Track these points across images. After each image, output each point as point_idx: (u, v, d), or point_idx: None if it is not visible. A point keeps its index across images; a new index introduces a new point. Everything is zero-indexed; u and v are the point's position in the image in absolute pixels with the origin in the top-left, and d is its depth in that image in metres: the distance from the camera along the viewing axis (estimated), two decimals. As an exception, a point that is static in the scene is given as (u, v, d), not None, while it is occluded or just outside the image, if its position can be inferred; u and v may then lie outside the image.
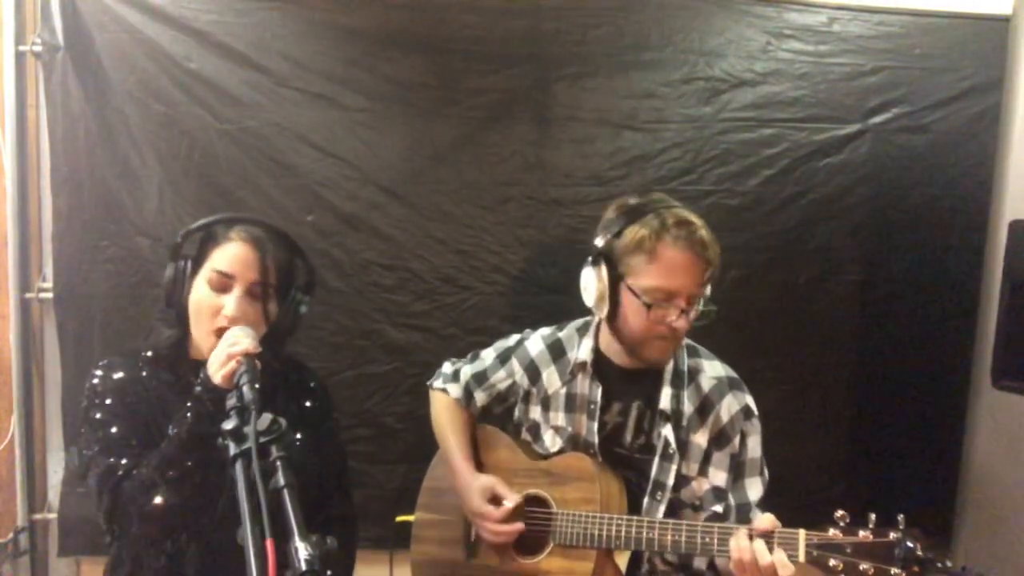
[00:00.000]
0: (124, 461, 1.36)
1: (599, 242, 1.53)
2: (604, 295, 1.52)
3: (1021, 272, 2.03)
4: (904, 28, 2.46)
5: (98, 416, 1.41)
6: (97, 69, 2.20)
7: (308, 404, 1.59)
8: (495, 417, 1.84)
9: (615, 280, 1.51)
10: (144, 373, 1.46)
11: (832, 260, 2.49)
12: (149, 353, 1.48)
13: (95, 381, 1.45)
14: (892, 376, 2.53)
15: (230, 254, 1.41)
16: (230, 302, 1.39)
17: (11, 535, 2.34)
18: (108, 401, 1.42)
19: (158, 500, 1.31)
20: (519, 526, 1.60)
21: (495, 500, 1.63)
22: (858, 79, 2.45)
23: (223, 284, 1.39)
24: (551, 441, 1.70)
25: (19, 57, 2.26)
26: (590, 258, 1.54)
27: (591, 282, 1.53)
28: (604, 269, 1.51)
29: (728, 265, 2.41)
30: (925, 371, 2.51)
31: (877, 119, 2.46)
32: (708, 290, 1.54)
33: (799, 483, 2.42)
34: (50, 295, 2.29)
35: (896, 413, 2.53)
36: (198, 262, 1.43)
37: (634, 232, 1.48)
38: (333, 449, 1.62)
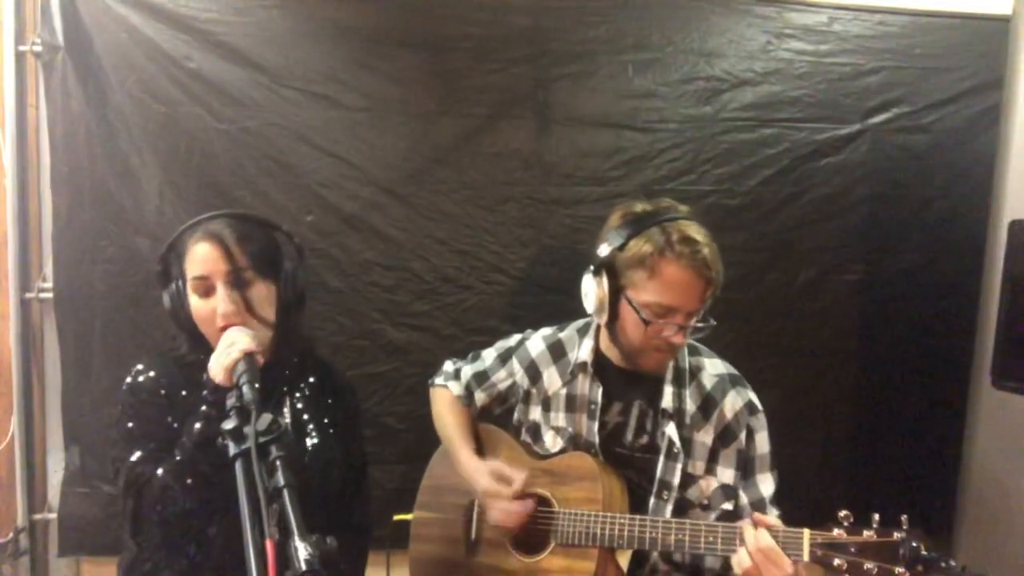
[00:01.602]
0: (151, 466, 1.36)
1: (602, 252, 1.53)
2: (604, 305, 1.53)
3: (1021, 272, 2.03)
4: (904, 28, 2.46)
5: (130, 422, 1.42)
6: (97, 69, 2.20)
7: (334, 405, 1.59)
8: (495, 418, 1.84)
9: (615, 291, 1.52)
10: (175, 377, 1.47)
11: (832, 260, 2.49)
12: (175, 356, 1.49)
13: (138, 381, 1.45)
14: (892, 376, 2.53)
15: (197, 258, 1.42)
16: (219, 300, 1.40)
17: (11, 535, 2.34)
18: (140, 404, 1.43)
19: (175, 504, 1.33)
20: (530, 504, 1.60)
21: (503, 481, 1.62)
22: (858, 79, 2.45)
23: (205, 287, 1.41)
24: (551, 442, 1.70)
25: (19, 57, 2.26)
26: (592, 267, 1.54)
27: (591, 290, 1.55)
28: (605, 279, 1.52)
29: (728, 265, 2.40)
30: (925, 371, 2.51)
31: (877, 119, 2.46)
32: (708, 303, 1.54)
33: (799, 483, 2.40)
34: (50, 295, 2.29)
35: (896, 413, 2.53)
36: (183, 278, 1.44)
37: (637, 246, 1.48)
38: (356, 453, 1.63)
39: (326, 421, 1.54)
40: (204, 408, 1.31)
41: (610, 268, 1.52)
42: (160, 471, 1.34)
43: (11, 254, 2.28)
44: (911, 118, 2.47)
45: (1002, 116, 2.13)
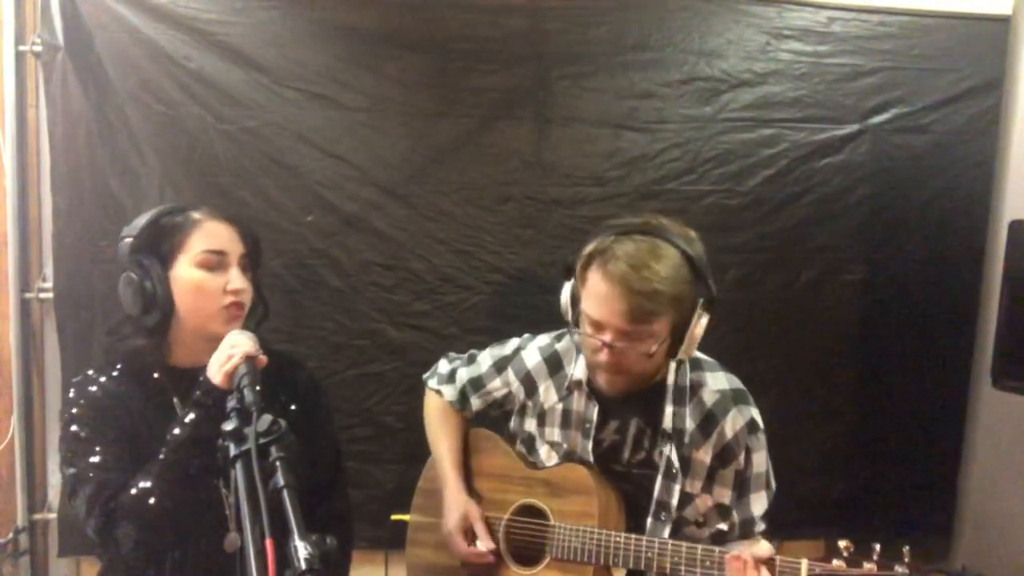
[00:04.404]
0: (115, 476, 1.33)
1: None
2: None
3: (1021, 272, 2.03)
4: (903, 28, 2.46)
5: (81, 434, 1.37)
6: (97, 69, 2.20)
7: (298, 397, 1.57)
8: (491, 420, 1.81)
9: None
10: (122, 386, 1.42)
11: (832, 260, 2.49)
12: (119, 366, 1.44)
13: (72, 396, 1.41)
14: (892, 376, 2.53)
15: (214, 233, 1.41)
16: (233, 276, 1.40)
17: (11, 535, 2.33)
18: (89, 418, 1.38)
19: (156, 509, 1.29)
20: (488, 558, 1.58)
21: (467, 533, 1.61)
22: (857, 79, 2.45)
23: (218, 262, 1.40)
24: (546, 455, 1.66)
25: (19, 57, 2.25)
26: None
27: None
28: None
29: (728, 265, 2.42)
30: (925, 371, 2.51)
31: (876, 119, 2.46)
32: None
33: (799, 483, 2.41)
34: (50, 295, 2.29)
35: (896, 413, 2.53)
36: (171, 255, 1.39)
37: (585, 252, 1.43)
38: (326, 443, 1.61)
39: (289, 415, 1.50)
40: (197, 408, 1.29)
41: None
42: (141, 478, 1.30)
43: (11, 254, 2.28)
44: (910, 118, 2.47)
45: (1002, 116, 2.13)
